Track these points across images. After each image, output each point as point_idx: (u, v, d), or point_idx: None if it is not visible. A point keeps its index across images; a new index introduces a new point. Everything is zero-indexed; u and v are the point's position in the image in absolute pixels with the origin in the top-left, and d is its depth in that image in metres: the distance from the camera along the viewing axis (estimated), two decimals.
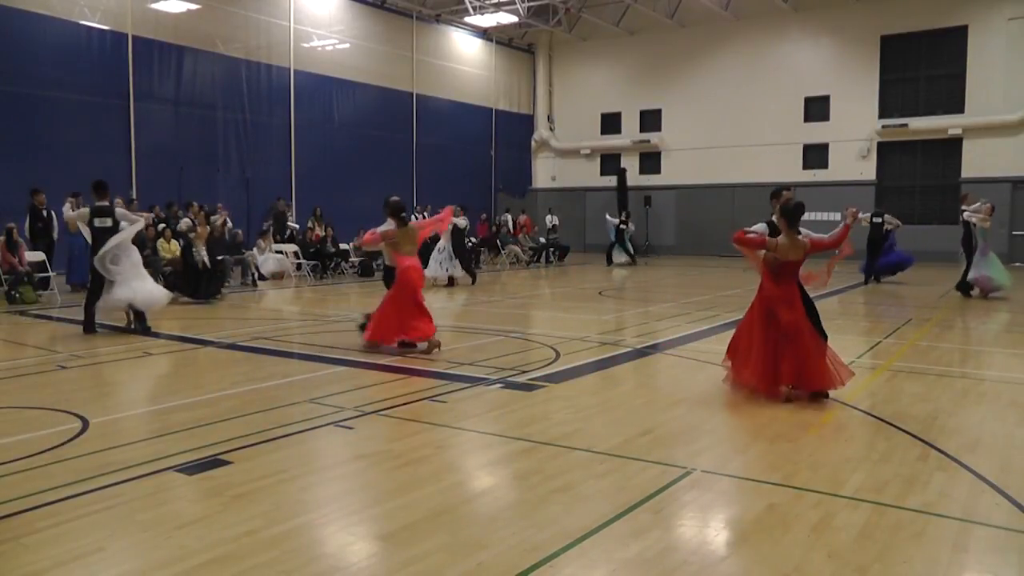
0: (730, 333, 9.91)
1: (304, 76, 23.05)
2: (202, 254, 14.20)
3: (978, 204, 15.03)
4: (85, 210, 10.25)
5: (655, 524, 3.86)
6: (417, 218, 21.59)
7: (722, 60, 28.72)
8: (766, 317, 6.58)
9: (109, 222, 9.97)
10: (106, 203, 10.09)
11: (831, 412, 6.15)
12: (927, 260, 22.35)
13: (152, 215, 11.46)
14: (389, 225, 8.79)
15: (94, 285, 9.94)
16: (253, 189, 21.25)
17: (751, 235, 6.69)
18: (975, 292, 14.92)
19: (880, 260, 18.25)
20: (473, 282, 17.53)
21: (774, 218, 6.83)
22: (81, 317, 10.20)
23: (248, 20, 21.59)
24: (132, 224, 10.22)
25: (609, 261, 24.72)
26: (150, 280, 10.48)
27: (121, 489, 4.29)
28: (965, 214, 14.99)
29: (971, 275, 14.85)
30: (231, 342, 9.54)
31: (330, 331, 10.68)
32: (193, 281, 14.04)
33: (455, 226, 16.77)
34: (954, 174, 25.43)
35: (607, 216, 25.81)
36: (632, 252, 25.09)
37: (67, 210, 10.84)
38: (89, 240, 10.17)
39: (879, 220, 18.20)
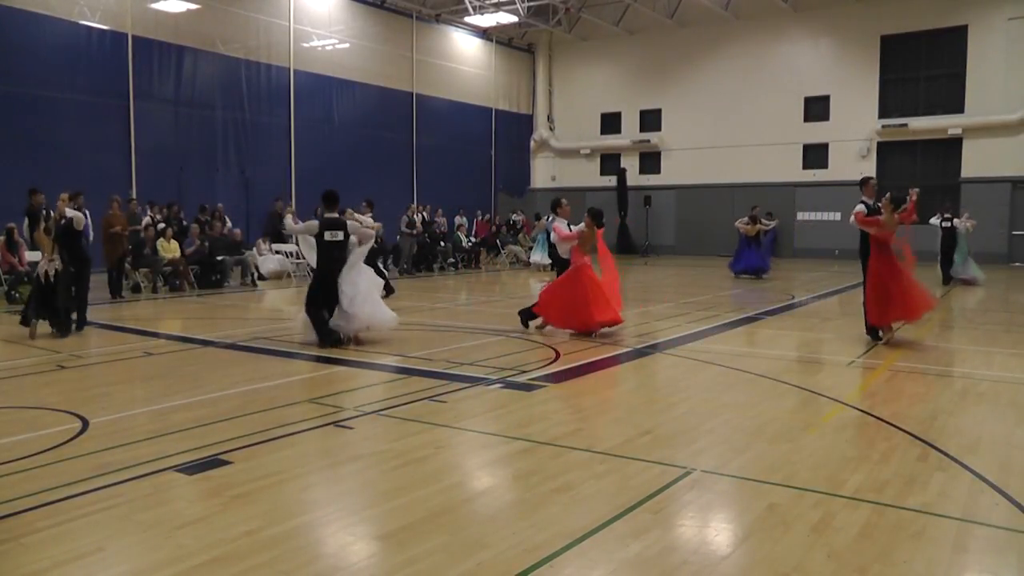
0: (730, 333, 10.07)
1: (304, 76, 23.05)
2: (52, 264, 9.80)
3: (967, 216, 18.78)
4: (314, 223, 9.32)
5: (655, 524, 3.86)
6: (416, 218, 21.67)
7: (722, 60, 28.72)
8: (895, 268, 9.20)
9: (341, 235, 9.12)
10: (336, 215, 9.26)
11: (831, 412, 6.15)
12: (926, 260, 22.33)
13: (378, 227, 10.43)
14: (582, 227, 9.92)
15: (320, 298, 9.07)
16: (253, 189, 21.26)
17: (868, 218, 9.30)
18: (954, 283, 17.55)
19: (745, 261, 19.40)
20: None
21: (866, 200, 9.53)
22: (81, 318, 10.19)
23: (248, 20, 21.59)
24: (366, 238, 9.50)
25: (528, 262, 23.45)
26: (382, 302, 9.60)
27: (121, 489, 4.29)
28: (956, 222, 18.02)
29: (967, 275, 17.62)
30: (231, 342, 9.54)
31: None
32: (39, 300, 9.76)
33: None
34: (954, 174, 25.44)
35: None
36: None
37: (289, 221, 9.86)
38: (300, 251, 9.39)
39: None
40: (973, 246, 18.74)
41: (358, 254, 9.35)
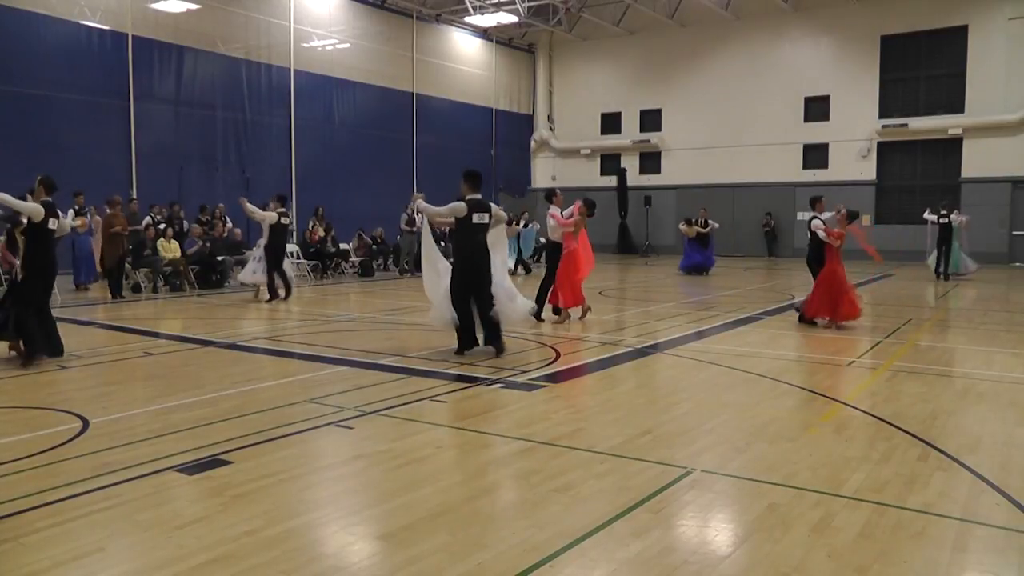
0: (730, 333, 10.17)
1: (304, 76, 23.05)
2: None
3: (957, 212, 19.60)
4: (461, 204, 8.40)
5: (655, 524, 3.86)
6: (417, 217, 21.64)
7: (722, 60, 28.72)
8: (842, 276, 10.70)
9: (487, 217, 8.49)
10: (479, 195, 8.55)
11: (831, 412, 6.15)
12: (919, 258, 22.35)
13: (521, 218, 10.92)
14: (576, 216, 10.97)
15: (469, 292, 8.34)
16: (253, 189, 21.22)
17: (834, 230, 10.72)
18: (957, 281, 18.32)
19: (689, 259, 21.02)
20: (287, 295, 14.08)
21: (823, 216, 11.10)
22: (80, 317, 10.17)
23: (248, 20, 21.59)
24: (502, 221, 8.95)
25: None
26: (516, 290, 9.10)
27: (121, 489, 4.29)
28: (952, 217, 18.71)
29: (964, 268, 18.81)
30: (231, 342, 9.54)
31: (330, 331, 10.68)
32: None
33: (277, 222, 13.98)
34: (954, 174, 25.44)
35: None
36: (523, 259, 21.34)
37: (424, 203, 9.12)
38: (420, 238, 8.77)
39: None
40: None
41: (501, 240, 8.92)
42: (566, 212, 11.11)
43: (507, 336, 8.68)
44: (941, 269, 18.69)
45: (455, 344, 8.51)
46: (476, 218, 8.38)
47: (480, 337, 8.48)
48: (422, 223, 9.16)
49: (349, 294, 16.41)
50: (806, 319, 10.91)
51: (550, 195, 11.53)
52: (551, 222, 11.14)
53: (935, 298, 15.35)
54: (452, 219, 8.59)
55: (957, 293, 16.12)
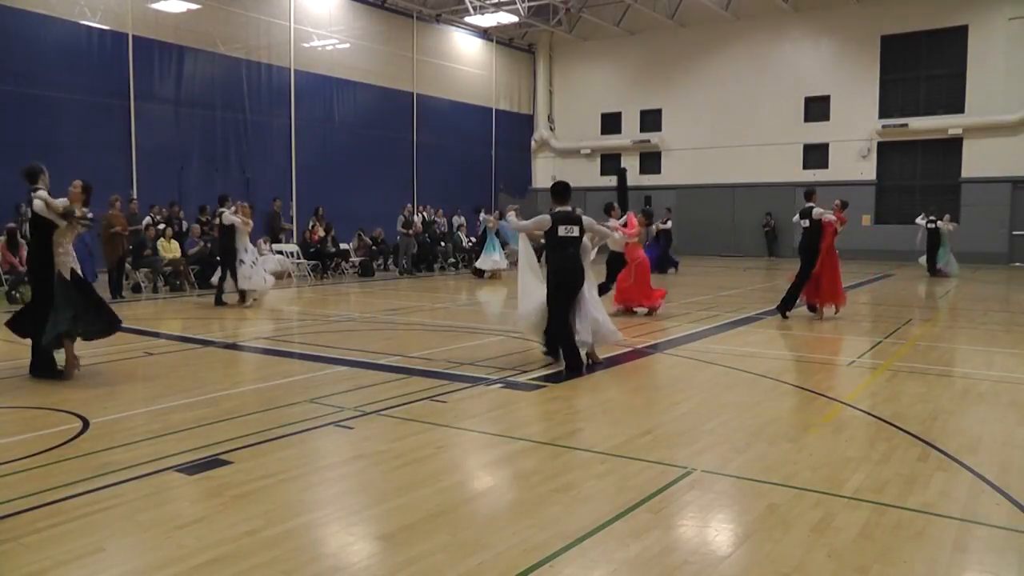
0: (730, 333, 10.20)
1: (304, 76, 23.04)
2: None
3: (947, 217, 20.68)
4: (546, 217, 7.99)
5: (655, 524, 3.86)
6: (416, 218, 21.68)
7: (722, 60, 28.72)
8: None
9: (576, 230, 7.98)
10: (569, 208, 8.08)
11: (831, 412, 6.15)
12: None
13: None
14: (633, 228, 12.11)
15: (565, 309, 7.94)
16: (253, 189, 21.25)
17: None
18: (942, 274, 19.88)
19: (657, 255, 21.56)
20: (241, 301, 13.55)
21: (815, 206, 11.80)
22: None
23: (248, 20, 21.59)
24: (602, 237, 8.62)
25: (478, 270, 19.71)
26: (603, 308, 8.51)
27: (121, 489, 4.29)
28: (940, 224, 20.07)
29: (947, 269, 19.89)
30: (231, 342, 9.54)
31: (330, 331, 10.68)
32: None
33: (220, 223, 13.71)
34: (954, 174, 25.44)
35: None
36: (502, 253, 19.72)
37: (513, 218, 8.48)
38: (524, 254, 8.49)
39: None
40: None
41: (590, 257, 8.50)
42: (620, 223, 12.00)
43: (510, 336, 8.66)
44: (930, 267, 20.20)
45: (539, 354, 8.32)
46: (562, 231, 7.96)
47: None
48: (519, 236, 8.99)
49: (349, 294, 16.41)
50: (816, 309, 11.97)
51: (609, 208, 12.25)
52: (617, 235, 11.41)
53: (935, 298, 15.36)
54: (541, 232, 8.22)
55: (957, 293, 16.13)
